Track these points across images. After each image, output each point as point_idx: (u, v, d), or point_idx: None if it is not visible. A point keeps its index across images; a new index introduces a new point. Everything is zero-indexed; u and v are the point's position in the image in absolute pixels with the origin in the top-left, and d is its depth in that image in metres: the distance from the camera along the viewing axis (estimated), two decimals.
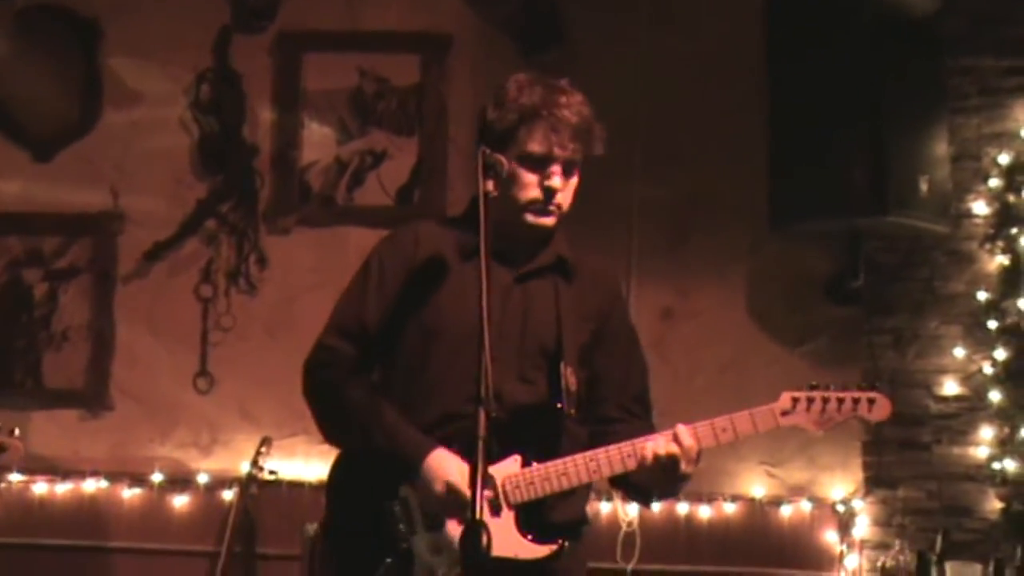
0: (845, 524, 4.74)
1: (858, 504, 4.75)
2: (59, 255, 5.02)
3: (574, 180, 2.78)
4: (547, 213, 2.76)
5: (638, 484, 2.80)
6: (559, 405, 2.74)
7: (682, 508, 4.79)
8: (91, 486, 4.93)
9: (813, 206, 4.42)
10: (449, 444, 2.71)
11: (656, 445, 2.69)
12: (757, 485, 4.82)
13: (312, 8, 5.00)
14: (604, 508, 4.77)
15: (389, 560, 2.71)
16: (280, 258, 5.00)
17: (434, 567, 2.71)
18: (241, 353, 4.98)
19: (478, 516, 2.30)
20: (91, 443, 4.98)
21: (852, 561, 4.71)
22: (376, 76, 4.97)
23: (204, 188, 5.01)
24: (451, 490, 2.66)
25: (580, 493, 2.83)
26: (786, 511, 4.79)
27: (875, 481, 4.75)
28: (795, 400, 2.74)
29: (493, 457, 2.53)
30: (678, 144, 4.84)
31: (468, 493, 2.38)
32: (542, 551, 2.71)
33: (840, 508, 4.76)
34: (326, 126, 5.00)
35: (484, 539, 2.30)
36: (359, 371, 2.82)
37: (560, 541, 2.72)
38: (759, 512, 4.80)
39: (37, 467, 4.93)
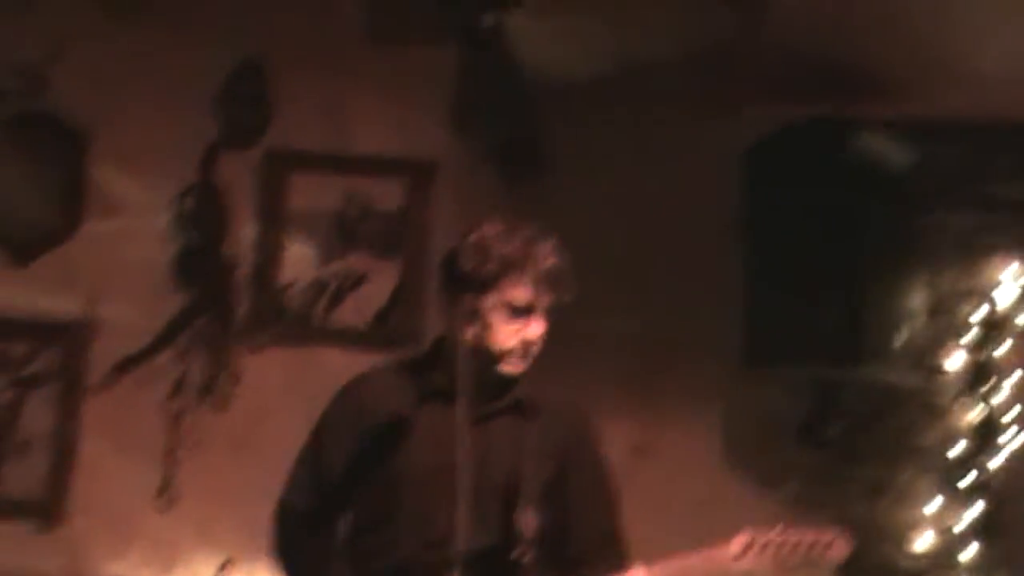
0: None
1: None
2: (28, 361, 4.96)
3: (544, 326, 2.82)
4: (521, 363, 2.79)
5: None
6: (515, 552, 2.71)
7: None
8: None
9: (787, 352, 4.42)
10: None
11: None
12: None
13: (300, 128, 5.03)
14: None
15: None
16: (253, 375, 4.94)
17: None
18: (206, 470, 4.88)
19: None
20: (44, 557, 4.83)
21: None
22: (361, 200, 4.99)
23: (181, 301, 4.99)
24: None
25: None
26: None
27: None
28: (748, 545, 2.68)
29: None
30: (654, 279, 4.84)
31: None
32: None
33: None
34: (307, 246, 5.01)
35: None
36: (318, 528, 2.86)
37: None
38: None
39: None
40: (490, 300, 2.75)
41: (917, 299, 4.57)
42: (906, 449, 4.72)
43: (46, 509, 4.86)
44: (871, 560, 4.60)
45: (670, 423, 4.84)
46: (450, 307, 2.81)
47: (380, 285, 4.95)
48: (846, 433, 4.64)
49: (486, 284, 2.75)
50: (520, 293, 2.75)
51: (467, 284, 2.76)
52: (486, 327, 2.76)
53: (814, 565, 2.73)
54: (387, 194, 4.99)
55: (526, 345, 2.77)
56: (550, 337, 2.86)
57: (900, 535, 4.67)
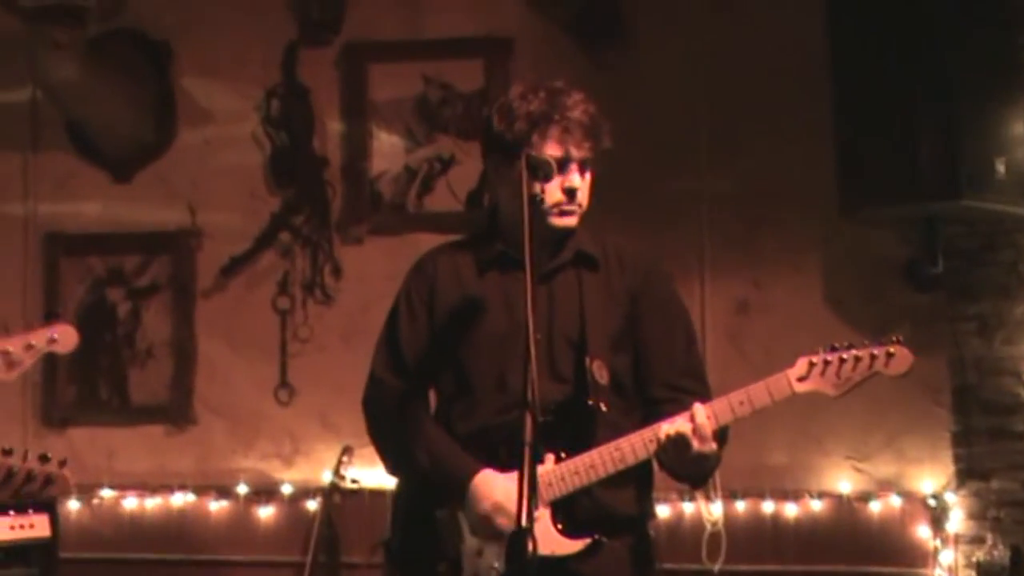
0: (938, 518, 4.60)
1: (950, 497, 4.60)
2: (140, 273, 5.14)
3: (589, 177, 2.83)
4: (570, 213, 2.81)
5: (668, 467, 2.76)
6: (589, 401, 2.73)
7: (768, 506, 4.70)
8: (179, 500, 5.02)
9: (883, 191, 4.29)
10: (495, 452, 2.76)
11: (670, 426, 2.66)
12: (844, 480, 4.70)
13: (375, 19, 5.05)
14: (687, 508, 4.70)
15: (441, 568, 2.78)
16: (354, 267, 5.05)
17: (479, 569, 2.74)
18: (319, 363, 5.03)
19: (525, 522, 2.31)
20: (177, 457, 5.08)
21: (947, 556, 4.56)
22: (440, 82, 5.00)
23: (277, 202, 5.09)
24: (496, 510, 2.71)
25: (630, 486, 2.80)
26: (875, 506, 4.66)
27: (967, 473, 4.60)
28: (811, 364, 2.66)
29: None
30: (744, 134, 4.77)
31: (513, 510, 2.40)
32: (575, 546, 2.72)
33: (931, 502, 4.62)
34: (394, 135, 5.04)
35: (530, 546, 2.31)
36: (407, 400, 2.90)
37: (594, 535, 2.72)
38: (847, 508, 4.68)
39: (126, 483, 5.06)
40: None
41: (1018, 125, 4.36)
42: (1018, 280, 4.58)
43: (174, 412, 5.08)
44: (990, 394, 4.54)
45: (773, 277, 4.79)
46: (494, 173, 2.84)
47: (468, 166, 4.95)
48: (954, 270, 4.52)
49: (518, 143, 2.75)
50: (552, 147, 2.75)
51: (500, 146, 2.77)
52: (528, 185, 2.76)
53: (879, 377, 2.67)
54: (466, 75, 4.98)
55: (571, 195, 2.77)
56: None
57: (1018, 368, 4.56)
